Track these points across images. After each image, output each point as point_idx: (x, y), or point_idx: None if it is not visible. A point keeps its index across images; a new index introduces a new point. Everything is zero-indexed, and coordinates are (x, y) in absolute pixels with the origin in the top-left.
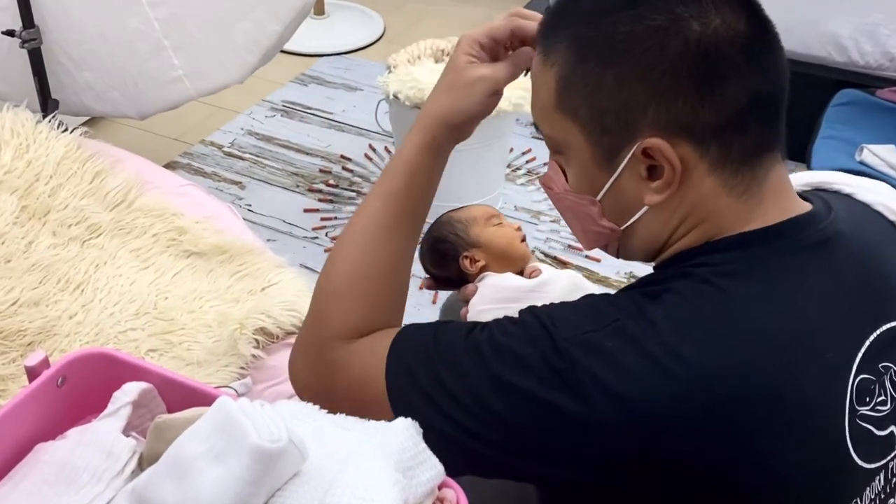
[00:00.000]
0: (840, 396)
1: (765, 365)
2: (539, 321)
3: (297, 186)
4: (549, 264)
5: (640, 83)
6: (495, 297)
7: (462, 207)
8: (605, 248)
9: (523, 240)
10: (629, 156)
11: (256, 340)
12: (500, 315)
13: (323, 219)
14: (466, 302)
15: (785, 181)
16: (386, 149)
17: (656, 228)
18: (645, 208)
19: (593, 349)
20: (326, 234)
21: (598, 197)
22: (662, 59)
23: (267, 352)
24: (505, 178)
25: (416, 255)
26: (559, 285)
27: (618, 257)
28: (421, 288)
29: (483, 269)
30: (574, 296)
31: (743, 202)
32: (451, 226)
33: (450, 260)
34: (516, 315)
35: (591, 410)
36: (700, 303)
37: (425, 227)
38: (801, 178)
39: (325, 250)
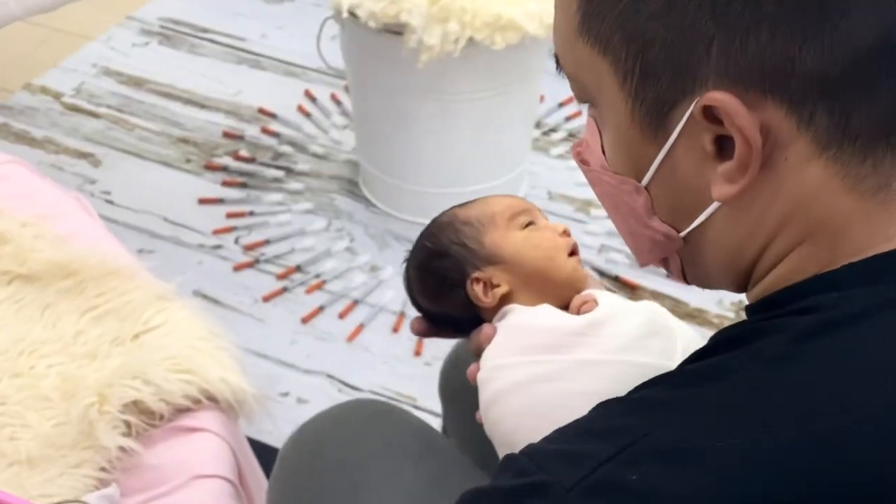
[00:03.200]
0: None
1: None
2: (524, 475)
3: (188, 161)
4: (609, 289)
5: (700, 1)
6: (523, 345)
7: (472, 201)
8: (666, 267)
9: (574, 251)
10: (685, 118)
11: (126, 423)
12: (532, 374)
13: (231, 214)
14: (478, 354)
15: None
16: (334, 98)
17: (735, 240)
18: (714, 205)
19: (612, 487)
20: (237, 242)
21: (645, 181)
22: None
23: (144, 442)
24: (532, 146)
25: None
26: (626, 326)
27: (686, 282)
28: (414, 332)
29: (506, 298)
30: (651, 344)
31: (878, 203)
32: (455, 230)
33: (452, 286)
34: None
35: None
36: (770, 391)
37: (412, 231)
38: None
39: (236, 268)
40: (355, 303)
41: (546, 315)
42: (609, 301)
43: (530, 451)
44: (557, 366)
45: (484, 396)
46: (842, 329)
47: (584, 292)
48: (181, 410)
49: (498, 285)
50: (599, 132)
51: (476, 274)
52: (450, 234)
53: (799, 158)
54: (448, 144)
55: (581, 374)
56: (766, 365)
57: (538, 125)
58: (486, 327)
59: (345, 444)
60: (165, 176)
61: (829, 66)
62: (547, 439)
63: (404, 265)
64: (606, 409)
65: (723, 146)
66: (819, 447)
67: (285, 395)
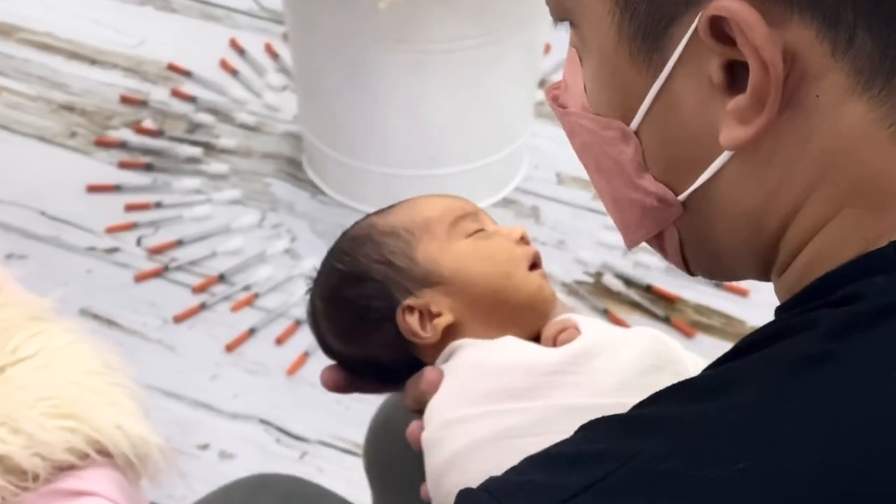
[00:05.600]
0: None
1: None
2: None
3: (73, 136)
4: (635, 300)
5: None
6: (483, 391)
7: (394, 205)
8: (661, 246)
9: (536, 263)
10: (687, 36)
11: None
12: (499, 428)
13: (131, 207)
14: (419, 410)
15: None
16: (269, 49)
17: (751, 204)
18: (724, 155)
19: None
20: (140, 244)
21: (634, 125)
22: None
23: None
24: (534, 112)
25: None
26: (621, 359)
27: (687, 269)
28: (325, 387)
29: (451, 331)
30: (656, 382)
31: None
32: (375, 244)
33: (376, 320)
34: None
35: None
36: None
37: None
38: None
39: (139, 278)
40: (298, 324)
41: (512, 349)
42: (595, 327)
43: (491, 484)
44: (533, 415)
45: (434, 463)
46: (885, 322)
47: (560, 317)
48: (63, 468)
49: (439, 314)
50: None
51: (409, 301)
52: (369, 251)
53: (833, 96)
54: (422, 111)
55: (565, 424)
56: (785, 371)
57: (542, 84)
58: (428, 371)
59: None
60: (43, 155)
61: None
62: (514, 469)
63: (307, 296)
64: (592, 430)
65: (736, 76)
66: (849, 476)
67: (204, 447)
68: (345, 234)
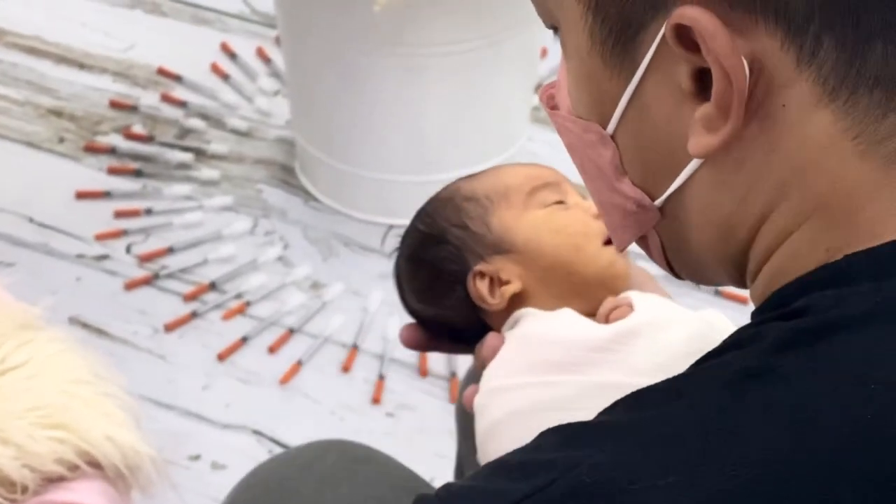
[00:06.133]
0: None
1: None
2: None
3: (61, 141)
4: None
5: None
6: (532, 361)
7: (483, 171)
8: (646, 250)
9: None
10: (655, 43)
11: None
12: (536, 400)
13: (121, 213)
14: (479, 373)
15: None
16: (261, 53)
17: (722, 212)
18: (694, 163)
19: None
20: (129, 251)
21: (610, 129)
22: None
23: None
24: (531, 117)
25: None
26: (666, 340)
27: (673, 272)
28: (404, 344)
29: (518, 299)
30: (689, 366)
31: None
32: (456, 208)
33: (450, 282)
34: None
35: None
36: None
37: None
38: None
39: (129, 286)
40: (291, 332)
41: (565, 323)
42: (651, 306)
43: (444, 491)
44: (567, 390)
45: (479, 428)
46: (828, 338)
47: (622, 294)
48: (52, 480)
49: (508, 282)
50: None
51: (480, 266)
52: (449, 214)
53: (799, 106)
54: (417, 116)
55: (595, 402)
56: (724, 384)
57: (538, 89)
58: (490, 337)
59: (311, 500)
60: (30, 161)
61: None
62: (473, 474)
63: (394, 256)
64: (547, 436)
65: (705, 83)
66: (773, 494)
67: (196, 458)
68: (433, 197)
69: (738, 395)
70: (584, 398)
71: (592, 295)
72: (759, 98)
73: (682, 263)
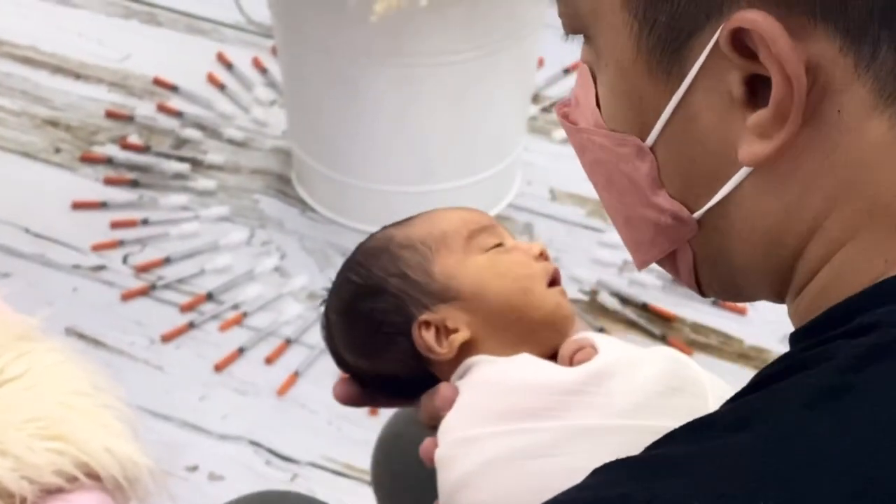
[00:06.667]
0: None
1: None
2: None
3: (57, 152)
4: (631, 319)
5: None
6: (498, 409)
7: (413, 217)
8: (673, 268)
9: (555, 280)
10: (707, 49)
11: None
12: (513, 448)
13: (117, 224)
14: (433, 426)
15: None
16: (257, 63)
17: (770, 222)
18: (742, 171)
19: None
20: (126, 261)
21: (650, 141)
22: None
23: None
24: (528, 127)
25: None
26: (639, 380)
27: (699, 290)
28: (338, 400)
29: (467, 347)
30: (674, 404)
31: None
32: (392, 257)
33: (391, 335)
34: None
35: None
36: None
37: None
38: None
39: (125, 296)
40: (288, 343)
41: (527, 367)
42: (613, 346)
43: None
44: (547, 435)
45: (447, 481)
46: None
47: (577, 336)
48: (51, 491)
49: (456, 330)
50: (595, 80)
51: (425, 316)
52: (385, 263)
53: (855, 112)
54: (413, 126)
55: (581, 446)
56: (803, 404)
57: (535, 99)
58: (443, 387)
59: None
60: (26, 171)
61: None
62: None
63: (322, 308)
64: (606, 473)
65: (756, 91)
66: None
67: (193, 469)
68: (361, 246)
69: (819, 415)
70: (565, 443)
71: (542, 338)
72: (814, 103)
73: (713, 279)
